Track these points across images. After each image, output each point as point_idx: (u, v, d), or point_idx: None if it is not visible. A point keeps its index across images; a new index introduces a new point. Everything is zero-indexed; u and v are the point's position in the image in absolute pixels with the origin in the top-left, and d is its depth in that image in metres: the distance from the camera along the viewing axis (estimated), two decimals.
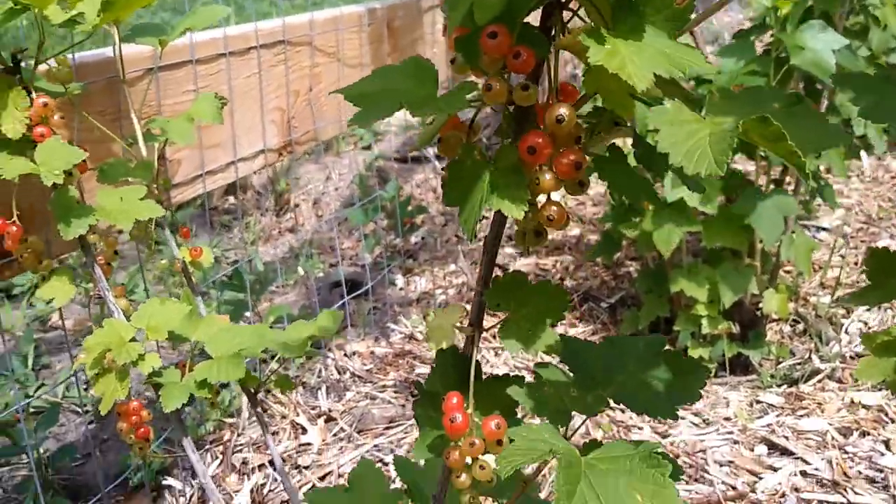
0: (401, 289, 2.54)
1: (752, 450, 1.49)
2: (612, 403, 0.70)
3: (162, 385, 0.95)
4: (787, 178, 1.97)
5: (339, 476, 1.48)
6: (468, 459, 0.64)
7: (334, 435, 1.61)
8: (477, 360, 0.68)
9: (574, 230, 2.79)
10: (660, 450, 0.61)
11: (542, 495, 1.39)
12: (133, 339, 0.92)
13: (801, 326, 2.02)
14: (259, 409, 1.05)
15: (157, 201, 0.96)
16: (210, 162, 1.43)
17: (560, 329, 2.05)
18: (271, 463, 1.52)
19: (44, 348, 2.16)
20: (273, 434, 1.60)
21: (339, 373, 1.86)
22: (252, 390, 1.04)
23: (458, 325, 0.70)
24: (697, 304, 1.86)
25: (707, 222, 1.83)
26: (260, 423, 1.05)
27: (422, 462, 0.95)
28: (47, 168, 0.84)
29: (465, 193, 0.60)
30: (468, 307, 0.71)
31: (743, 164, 2.35)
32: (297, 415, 1.66)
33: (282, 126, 1.65)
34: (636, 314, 2.01)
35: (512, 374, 0.74)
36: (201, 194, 1.42)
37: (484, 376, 0.71)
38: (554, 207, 0.61)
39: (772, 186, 1.84)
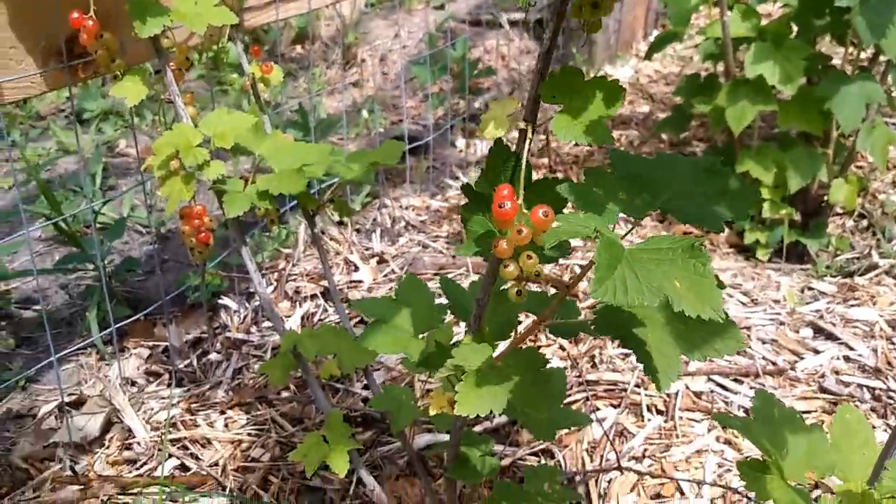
0: (460, 150, 2.53)
1: (798, 332, 1.49)
2: (659, 211, 0.70)
3: (225, 192, 0.97)
4: (875, 68, 1.88)
5: None
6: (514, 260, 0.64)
7: (385, 275, 1.64)
8: (528, 160, 0.67)
9: (643, 106, 2.72)
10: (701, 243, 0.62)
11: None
12: (200, 145, 0.94)
13: (864, 222, 1.98)
14: (316, 231, 1.07)
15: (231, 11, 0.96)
16: None
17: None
18: (323, 294, 1.57)
19: (111, 171, 2.22)
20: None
21: (392, 222, 1.89)
22: (311, 212, 1.06)
23: (513, 115, 0.69)
24: (762, 186, 1.82)
25: (784, 103, 1.77)
26: (316, 245, 1.07)
27: (465, 284, 0.97)
28: None
29: None
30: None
31: (829, 48, 2.24)
32: (351, 253, 1.69)
33: None
34: None
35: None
36: (274, 21, 1.41)
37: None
38: None
39: (857, 72, 1.76)
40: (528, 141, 0.67)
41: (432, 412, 0.83)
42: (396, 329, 0.87)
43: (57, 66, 1.06)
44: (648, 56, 2.11)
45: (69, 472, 1.17)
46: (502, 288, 0.76)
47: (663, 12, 3.64)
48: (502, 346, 0.81)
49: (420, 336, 0.87)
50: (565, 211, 0.70)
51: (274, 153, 0.96)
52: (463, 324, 0.89)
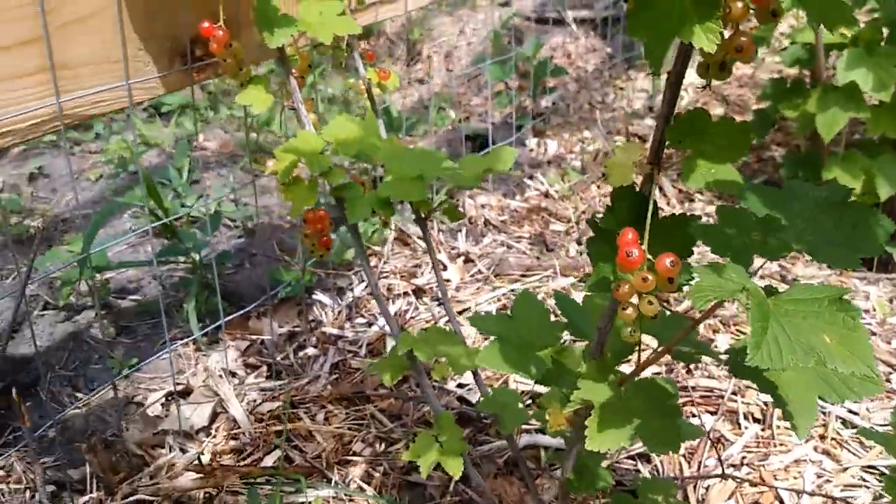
0: (531, 150, 2.54)
1: (889, 343, 1.47)
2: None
3: (345, 198, 0.99)
4: None
5: (476, 312, 1.54)
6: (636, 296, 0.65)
7: (472, 275, 1.66)
8: (654, 199, 0.68)
9: (717, 108, 2.70)
10: (847, 296, 0.62)
11: None
12: (322, 152, 0.97)
13: None
14: (427, 235, 1.09)
15: None
16: None
17: (697, 206, 2.03)
18: (414, 292, 1.59)
19: (193, 164, 2.27)
20: (416, 267, 1.67)
21: (469, 222, 1.91)
22: (423, 215, 1.08)
23: (638, 162, 0.71)
24: None
25: (876, 109, 1.75)
26: (428, 247, 1.09)
27: (579, 299, 0.98)
28: None
29: (652, 24, 0.59)
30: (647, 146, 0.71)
31: None
32: (439, 252, 1.72)
33: None
34: None
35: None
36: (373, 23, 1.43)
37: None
38: (743, 38, 0.59)
39: None
40: (654, 184, 0.68)
41: (550, 430, 0.85)
42: (514, 347, 0.89)
43: (180, 69, 1.10)
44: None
45: (189, 460, 1.22)
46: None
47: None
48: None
49: (538, 353, 0.89)
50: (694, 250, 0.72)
51: (393, 160, 0.98)
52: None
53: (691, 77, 3.01)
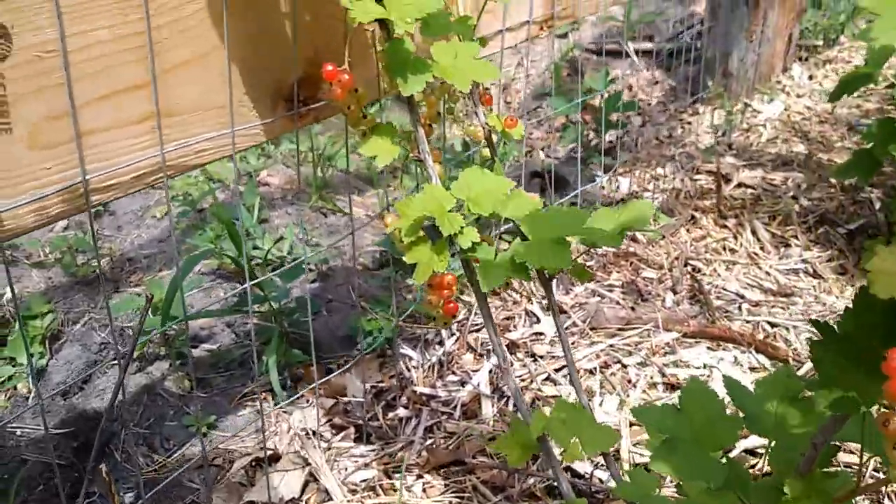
0: (602, 187, 2.43)
1: None
2: None
3: (474, 261, 0.90)
4: None
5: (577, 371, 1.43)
6: None
7: (566, 328, 1.56)
8: None
9: (798, 146, 2.58)
10: None
11: None
12: (452, 210, 0.87)
13: None
14: (552, 299, 0.99)
15: None
16: (482, 28, 1.35)
17: (794, 252, 1.90)
18: (508, 346, 1.49)
19: (261, 203, 2.20)
20: (508, 319, 1.56)
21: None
22: (548, 276, 0.98)
23: None
24: None
25: None
26: (552, 314, 0.99)
27: (750, 385, 0.87)
28: (399, 15, 0.77)
29: None
30: None
31: None
32: (531, 303, 1.61)
33: None
34: (881, 243, 1.84)
35: None
36: None
37: None
38: None
39: None
40: None
41: None
42: (685, 447, 0.78)
43: (284, 114, 1.01)
44: (835, 98, 1.98)
45: None
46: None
47: (804, 45, 3.49)
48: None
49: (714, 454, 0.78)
50: None
51: (527, 218, 0.88)
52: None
53: (770, 112, 2.89)
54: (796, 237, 1.97)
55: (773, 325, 1.62)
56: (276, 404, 1.42)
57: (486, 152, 1.02)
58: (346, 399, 1.40)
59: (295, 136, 1.29)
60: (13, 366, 1.56)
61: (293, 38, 0.98)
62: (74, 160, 0.80)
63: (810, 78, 3.23)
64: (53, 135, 0.77)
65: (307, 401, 1.42)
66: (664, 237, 1.96)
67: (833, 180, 2.22)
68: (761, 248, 1.92)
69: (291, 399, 1.39)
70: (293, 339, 1.58)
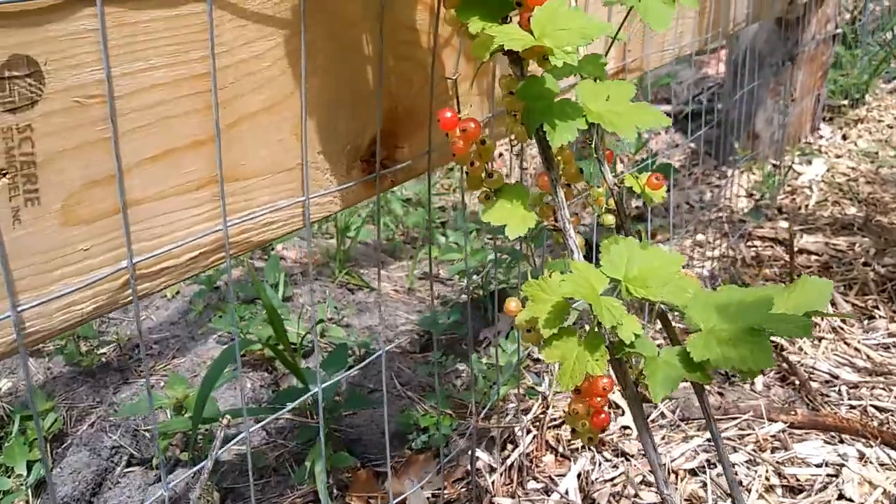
0: None
1: None
2: None
3: (625, 360, 0.70)
4: None
5: (673, 472, 1.23)
6: None
7: (653, 421, 1.35)
8: None
9: (850, 208, 2.42)
10: None
11: None
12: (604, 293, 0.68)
13: None
14: (705, 403, 0.79)
15: None
16: None
17: (880, 325, 1.72)
18: (596, 444, 1.28)
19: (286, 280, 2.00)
20: None
21: None
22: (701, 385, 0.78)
23: None
24: None
25: None
26: (707, 418, 0.79)
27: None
28: (555, 42, 0.59)
29: None
30: None
31: None
32: (613, 391, 1.41)
33: (619, 47, 1.38)
34: None
35: None
36: None
37: None
38: None
39: None
40: None
41: None
42: None
43: (361, 178, 0.83)
44: None
45: None
46: None
47: (829, 104, 3.37)
48: None
49: None
50: None
51: (699, 303, 0.69)
52: None
53: (812, 173, 2.73)
54: (878, 307, 1.79)
55: (880, 409, 1.43)
56: None
57: (609, 219, 0.84)
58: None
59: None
60: (9, 476, 1.34)
61: (376, 85, 0.80)
62: (118, 239, 0.60)
63: (844, 138, 3.10)
64: (93, 206, 0.58)
65: None
66: None
67: None
68: (843, 321, 1.73)
69: None
70: (336, 439, 1.37)
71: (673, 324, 0.80)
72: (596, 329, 0.68)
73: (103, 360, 1.70)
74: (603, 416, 0.71)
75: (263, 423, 1.18)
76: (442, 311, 1.82)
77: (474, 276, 2.00)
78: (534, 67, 0.71)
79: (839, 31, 3.34)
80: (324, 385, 1.29)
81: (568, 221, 0.70)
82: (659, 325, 1.01)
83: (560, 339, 0.67)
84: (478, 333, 1.74)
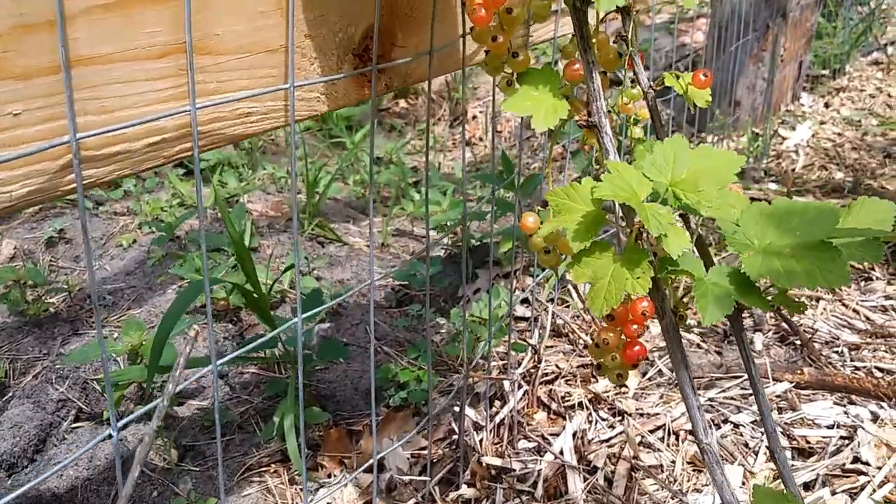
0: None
1: None
2: None
3: (663, 281, 0.59)
4: None
5: (673, 433, 1.13)
6: None
7: (649, 379, 1.25)
8: None
9: (837, 173, 2.35)
10: None
11: None
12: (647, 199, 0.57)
13: None
14: (744, 340, 0.69)
15: None
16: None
17: (877, 286, 1.65)
18: (591, 401, 1.18)
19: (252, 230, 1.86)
20: (583, 366, 1.25)
21: None
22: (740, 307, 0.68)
23: None
24: None
25: None
26: (742, 350, 0.69)
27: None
28: None
29: None
30: None
31: None
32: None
33: None
34: None
35: None
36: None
37: None
38: None
39: None
40: None
41: None
42: None
43: (352, 71, 0.71)
44: None
45: None
46: None
47: (809, 74, 3.31)
48: None
49: None
50: None
51: (756, 215, 0.59)
52: None
53: (797, 137, 2.65)
54: (874, 268, 1.71)
55: (884, 370, 1.35)
56: (292, 482, 1.09)
57: (638, 132, 0.73)
58: (386, 475, 1.08)
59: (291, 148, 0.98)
60: None
61: None
62: (59, 107, 0.48)
63: (826, 106, 3.04)
64: (27, 59, 0.45)
65: (330, 475, 1.09)
66: None
67: None
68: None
69: (319, 488, 1.06)
70: (307, 394, 1.25)
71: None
72: (635, 241, 0.57)
73: (51, 309, 1.56)
74: (638, 347, 0.60)
75: (227, 376, 1.06)
76: (418, 261, 1.71)
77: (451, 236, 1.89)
78: None
79: None
80: (294, 335, 1.18)
81: (604, 115, 0.59)
82: None
83: (592, 255, 0.56)
84: (456, 290, 1.63)
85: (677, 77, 0.66)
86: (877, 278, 1.67)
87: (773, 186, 2.21)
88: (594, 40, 0.59)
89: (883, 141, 2.64)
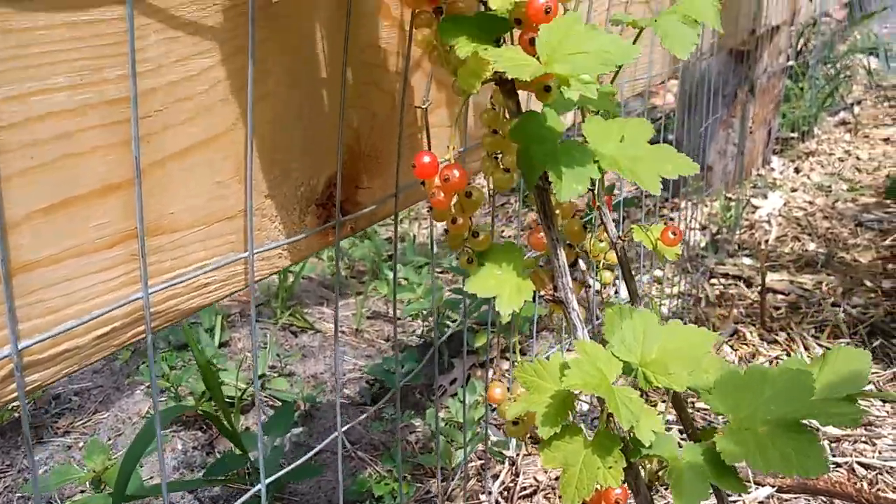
0: (597, 292, 2.15)
1: None
2: None
3: (645, 464, 0.57)
4: None
5: None
6: None
7: None
8: None
9: (810, 244, 2.36)
10: None
11: None
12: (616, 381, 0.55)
13: None
14: None
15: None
16: None
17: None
18: None
19: (223, 323, 1.83)
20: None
21: None
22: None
23: None
24: None
25: None
26: None
27: None
28: (571, 69, 0.46)
29: None
30: None
31: None
32: None
33: None
34: None
35: None
36: None
37: None
38: None
39: None
40: None
41: None
42: None
43: (317, 227, 0.69)
44: (893, 196, 1.75)
45: None
46: None
47: (779, 137, 3.35)
48: None
49: None
50: None
51: (726, 386, 0.57)
52: None
53: (769, 207, 2.67)
54: None
55: (866, 466, 1.33)
56: None
57: (608, 277, 0.72)
58: None
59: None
60: None
61: (336, 114, 0.67)
62: (0, 317, 0.45)
63: (797, 171, 3.07)
64: None
65: None
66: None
67: (869, 283, 1.99)
68: None
69: None
70: None
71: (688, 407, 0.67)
72: (606, 426, 0.55)
73: (16, 414, 1.51)
74: None
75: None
76: (393, 356, 1.68)
77: (428, 319, 1.87)
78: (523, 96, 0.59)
79: (791, 63, 3.33)
80: (267, 453, 1.14)
81: (570, 291, 0.57)
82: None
83: (563, 440, 0.54)
84: (432, 382, 1.60)
85: (646, 230, 0.65)
86: None
87: (747, 261, 2.21)
88: (558, 212, 0.58)
89: (853, 207, 2.66)
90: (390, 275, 2.26)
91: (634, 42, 0.66)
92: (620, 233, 0.67)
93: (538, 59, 0.48)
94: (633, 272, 0.68)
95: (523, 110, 0.55)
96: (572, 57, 0.46)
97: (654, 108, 4.08)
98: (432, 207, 0.56)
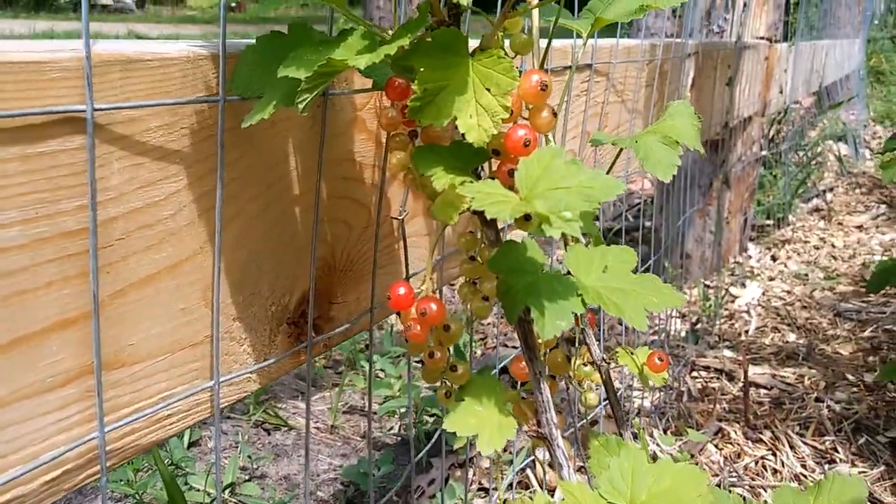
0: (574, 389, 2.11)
1: None
2: None
3: None
4: None
5: None
6: None
7: None
8: None
9: (790, 335, 2.35)
10: None
11: None
12: None
13: None
14: None
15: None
16: None
17: (842, 469, 1.60)
18: None
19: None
20: None
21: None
22: None
23: None
24: None
25: None
26: None
27: None
28: (551, 207, 0.44)
29: None
30: None
31: None
32: None
33: None
34: None
35: None
36: None
37: None
38: None
39: None
40: None
41: None
42: None
43: (288, 349, 0.66)
44: (876, 287, 1.75)
45: None
46: None
47: (759, 224, 3.38)
48: None
49: None
50: None
51: None
52: None
53: (748, 296, 2.66)
54: (836, 449, 1.67)
55: None
56: None
57: (592, 399, 0.69)
58: None
59: None
60: None
61: (309, 230, 0.65)
62: None
63: (773, 259, 3.08)
64: None
65: None
66: (693, 455, 1.63)
67: (851, 377, 1.97)
68: (804, 466, 1.61)
69: None
70: None
71: None
72: None
73: None
74: None
75: None
76: (369, 456, 1.62)
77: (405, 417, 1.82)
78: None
79: (765, 153, 3.38)
80: None
81: (555, 426, 0.54)
82: None
83: None
84: (409, 482, 1.54)
85: (631, 354, 0.63)
86: (840, 461, 1.63)
87: (728, 353, 2.19)
88: (541, 341, 0.56)
89: (831, 296, 2.66)
90: (366, 367, 2.21)
91: (614, 162, 0.65)
92: (604, 355, 0.64)
93: (517, 190, 0.47)
94: (603, 364, 0.65)
95: (502, 239, 0.53)
96: (553, 193, 0.44)
97: (632, 193, 4.12)
98: (408, 340, 0.54)
